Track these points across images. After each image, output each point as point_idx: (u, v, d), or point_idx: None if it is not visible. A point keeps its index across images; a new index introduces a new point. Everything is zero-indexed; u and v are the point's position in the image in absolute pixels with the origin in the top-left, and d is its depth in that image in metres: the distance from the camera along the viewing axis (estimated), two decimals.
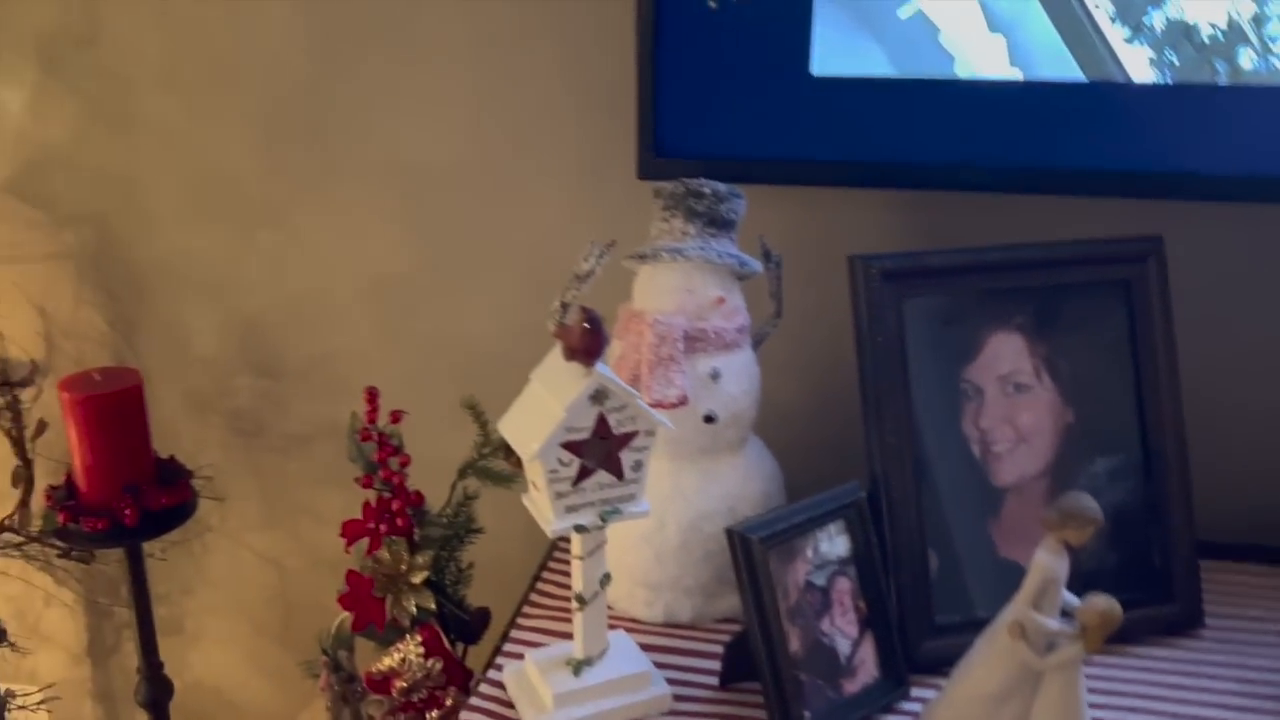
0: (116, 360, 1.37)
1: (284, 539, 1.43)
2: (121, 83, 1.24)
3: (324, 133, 1.22)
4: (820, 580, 0.84)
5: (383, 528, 1.02)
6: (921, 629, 0.89)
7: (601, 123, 1.14)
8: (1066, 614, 0.71)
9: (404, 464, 1.02)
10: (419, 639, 1.04)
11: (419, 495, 1.04)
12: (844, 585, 0.85)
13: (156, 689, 1.31)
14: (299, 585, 1.45)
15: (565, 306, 0.97)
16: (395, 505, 1.02)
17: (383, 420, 1.05)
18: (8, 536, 1.31)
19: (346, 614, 1.13)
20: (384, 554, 1.03)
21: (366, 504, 1.04)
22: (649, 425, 0.79)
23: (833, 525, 0.85)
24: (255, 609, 1.48)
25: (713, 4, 0.99)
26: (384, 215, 1.25)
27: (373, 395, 1.00)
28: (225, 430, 1.38)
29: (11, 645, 1.37)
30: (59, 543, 1.27)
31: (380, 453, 1.01)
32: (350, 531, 1.03)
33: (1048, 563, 0.70)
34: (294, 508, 1.41)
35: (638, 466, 0.80)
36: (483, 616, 1.12)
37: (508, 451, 1.06)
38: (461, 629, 1.09)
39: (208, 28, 1.20)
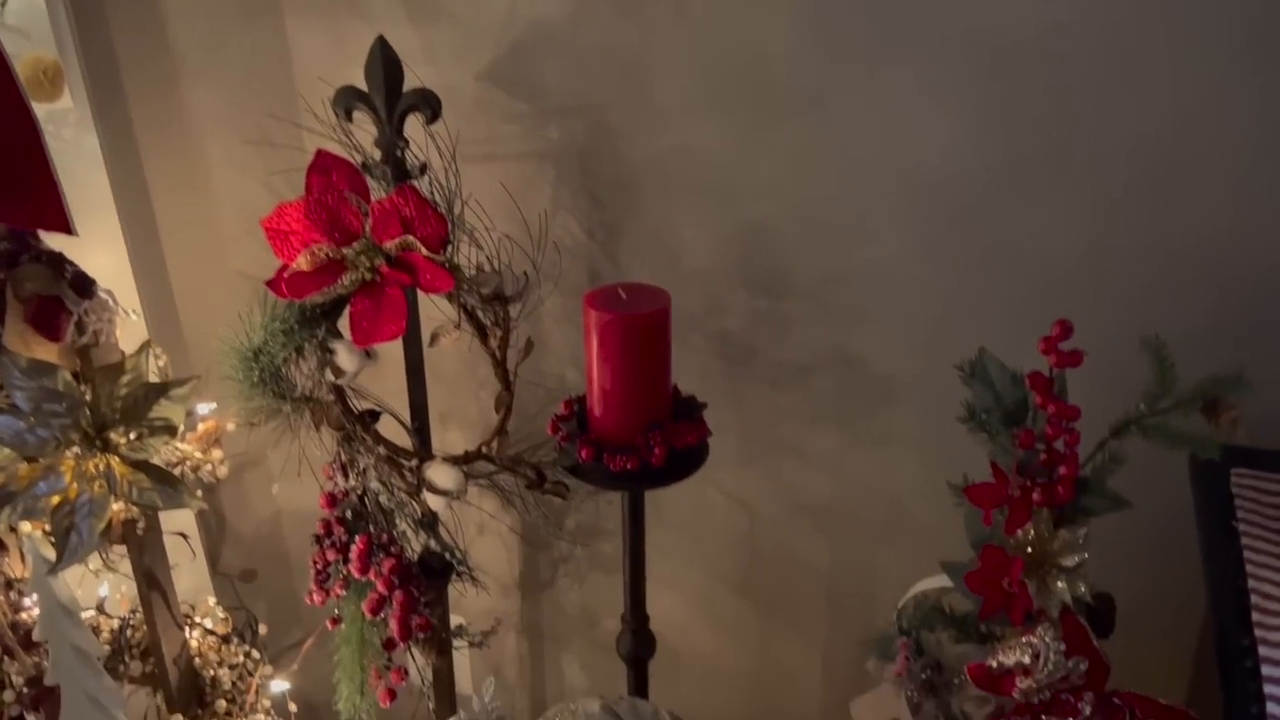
0: (590, 272, 1.21)
1: (760, 480, 1.26)
2: None
3: None
4: None
5: (1036, 497, 0.81)
6: None
7: None
8: None
9: (1072, 417, 0.80)
10: (1058, 632, 0.83)
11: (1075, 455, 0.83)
12: None
13: (640, 644, 1.17)
14: (770, 533, 1.28)
15: None
16: (1063, 470, 0.80)
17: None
18: (481, 465, 1.20)
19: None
20: (1032, 530, 0.83)
21: (996, 466, 0.83)
22: None
23: None
24: (714, 554, 1.33)
25: None
26: (949, 102, 1.01)
27: (1065, 330, 0.78)
28: (707, 354, 1.21)
29: (474, 579, 1.27)
30: (535, 474, 1.15)
31: (1045, 403, 0.79)
32: (986, 499, 0.83)
33: None
34: (777, 446, 1.23)
35: None
36: (1109, 603, 0.90)
37: (1208, 406, 0.84)
38: (1091, 619, 0.88)
39: None
